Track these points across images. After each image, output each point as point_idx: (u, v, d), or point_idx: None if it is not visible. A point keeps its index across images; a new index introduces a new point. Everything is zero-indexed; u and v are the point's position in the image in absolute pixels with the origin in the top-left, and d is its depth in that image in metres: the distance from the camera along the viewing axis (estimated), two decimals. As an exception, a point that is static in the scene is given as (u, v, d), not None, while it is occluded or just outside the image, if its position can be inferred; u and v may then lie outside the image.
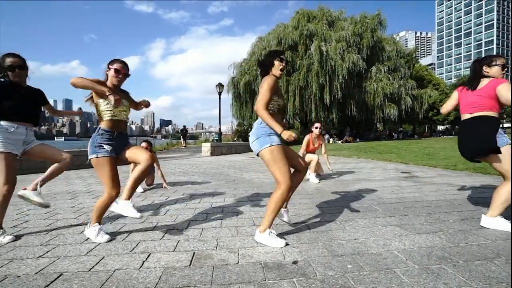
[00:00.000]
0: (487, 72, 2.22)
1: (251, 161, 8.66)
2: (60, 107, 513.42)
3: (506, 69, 2.27)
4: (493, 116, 2.17)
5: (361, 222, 2.39)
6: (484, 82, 2.21)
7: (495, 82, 2.14)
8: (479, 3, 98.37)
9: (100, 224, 2.06)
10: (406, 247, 1.82)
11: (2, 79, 2.10)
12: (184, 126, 18.91)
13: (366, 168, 6.46)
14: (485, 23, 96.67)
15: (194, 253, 1.78)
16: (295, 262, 1.62)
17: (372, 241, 1.95)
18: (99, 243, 1.95)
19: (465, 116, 2.30)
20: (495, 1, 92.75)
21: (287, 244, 1.88)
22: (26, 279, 1.47)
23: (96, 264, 1.64)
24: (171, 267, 1.59)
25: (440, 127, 51.89)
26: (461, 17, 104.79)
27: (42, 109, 2.45)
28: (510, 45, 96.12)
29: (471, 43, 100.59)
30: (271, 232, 1.90)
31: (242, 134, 20.90)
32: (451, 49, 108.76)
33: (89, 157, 2.01)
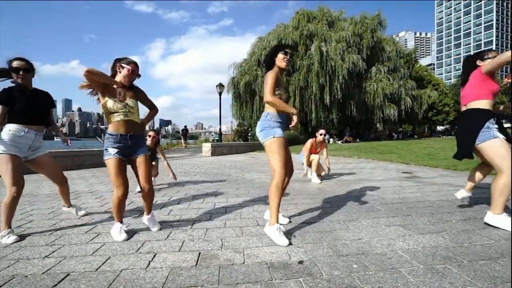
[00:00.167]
0: (480, 65, 2.28)
1: (252, 161, 8.67)
2: (59, 107, 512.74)
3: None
4: (480, 108, 2.21)
5: (364, 222, 2.40)
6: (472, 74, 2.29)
7: (479, 68, 2.24)
8: (479, 3, 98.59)
9: (121, 222, 2.11)
10: (410, 247, 1.83)
11: (13, 84, 2.15)
12: (185, 126, 18.94)
13: (367, 168, 6.47)
14: (484, 23, 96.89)
15: (199, 253, 1.79)
16: (300, 262, 1.63)
17: (376, 241, 1.96)
18: (104, 243, 1.96)
19: (462, 110, 2.41)
20: (495, 2, 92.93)
21: (290, 244, 1.89)
22: (33, 279, 1.48)
23: (103, 264, 1.65)
24: (177, 267, 1.60)
25: (439, 127, 51.95)
26: (460, 17, 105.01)
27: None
28: (509, 45, 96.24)
29: (470, 44, 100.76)
30: (279, 227, 1.98)
31: (243, 134, 20.90)
32: (451, 50, 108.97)
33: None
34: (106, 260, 1.69)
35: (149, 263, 1.64)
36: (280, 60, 2.12)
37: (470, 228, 2.21)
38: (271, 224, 2.01)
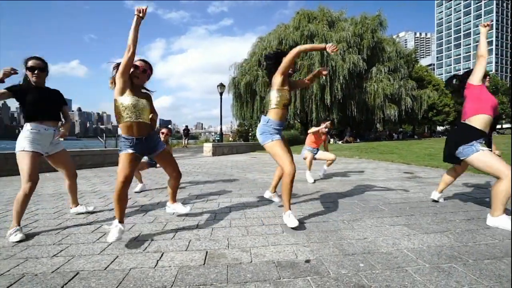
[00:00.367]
0: (468, 82, 2.44)
1: (254, 161, 8.68)
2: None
3: (488, 77, 2.51)
4: (475, 127, 2.32)
5: (369, 221, 2.41)
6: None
7: (470, 84, 2.41)
8: (479, 4, 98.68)
9: (121, 222, 2.03)
10: (416, 246, 1.85)
11: (22, 82, 2.22)
12: (186, 126, 18.98)
13: (369, 168, 6.49)
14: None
15: (207, 252, 1.80)
16: (307, 261, 1.65)
17: (381, 240, 1.97)
18: (111, 243, 1.97)
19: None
20: (494, 2, 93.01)
21: (297, 228, 2.17)
22: (43, 277, 1.50)
23: (111, 263, 1.66)
24: (185, 266, 1.61)
25: (439, 128, 52.00)
26: (460, 17, 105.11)
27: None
28: (509, 45, 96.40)
29: (470, 44, 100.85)
30: (290, 213, 2.23)
31: (243, 134, 20.92)
32: (451, 50, 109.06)
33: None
34: (114, 259, 1.71)
35: (157, 262, 1.66)
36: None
37: (474, 228, 2.22)
38: (284, 212, 2.27)
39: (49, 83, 2.43)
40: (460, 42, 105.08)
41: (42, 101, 2.23)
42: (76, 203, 2.74)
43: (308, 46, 2.34)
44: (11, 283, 1.44)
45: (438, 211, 2.73)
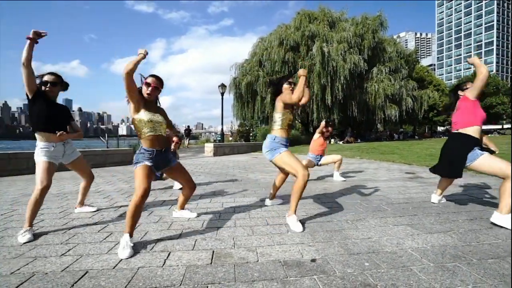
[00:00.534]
0: (462, 95, 2.62)
1: (255, 162, 8.70)
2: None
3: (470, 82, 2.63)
4: (469, 135, 2.46)
5: (372, 221, 2.43)
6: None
7: (465, 97, 2.56)
8: (479, 4, 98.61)
9: (131, 236, 1.92)
10: (420, 246, 1.87)
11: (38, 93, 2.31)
12: (188, 126, 19.02)
13: (370, 168, 6.51)
14: (485, 24, 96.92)
15: (213, 251, 1.82)
16: (313, 260, 1.67)
17: (386, 240, 1.99)
18: (118, 242, 1.99)
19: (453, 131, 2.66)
20: (495, 2, 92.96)
21: (303, 230, 2.19)
22: (53, 276, 1.52)
23: (119, 262, 1.68)
24: (193, 265, 1.63)
25: (440, 128, 51.98)
26: (461, 18, 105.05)
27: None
28: (510, 46, 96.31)
29: (471, 44, 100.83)
30: (296, 218, 2.29)
31: (244, 134, 20.95)
32: (451, 50, 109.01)
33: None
34: (122, 259, 1.73)
35: (164, 261, 1.68)
36: (286, 89, 2.52)
37: (477, 227, 2.24)
38: (288, 216, 2.34)
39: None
40: (461, 42, 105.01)
41: (48, 113, 2.34)
42: (82, 203, 2.90)
43: (301, 85, 2.36)
44: (22, 282, 1.46)
45: (441, 211, 2.75)
